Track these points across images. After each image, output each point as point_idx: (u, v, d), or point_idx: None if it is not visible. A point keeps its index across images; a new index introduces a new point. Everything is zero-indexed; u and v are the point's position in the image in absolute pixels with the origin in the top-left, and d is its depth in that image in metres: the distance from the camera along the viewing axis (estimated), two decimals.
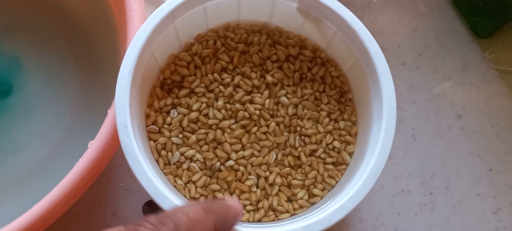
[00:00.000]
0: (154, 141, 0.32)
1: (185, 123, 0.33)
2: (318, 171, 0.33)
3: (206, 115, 0.33)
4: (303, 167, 0.33)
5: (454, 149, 0.42)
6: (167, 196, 0.27)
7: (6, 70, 0.37)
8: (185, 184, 0.32)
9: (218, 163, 0.32)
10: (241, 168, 0.32)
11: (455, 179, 0.41)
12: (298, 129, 0.33)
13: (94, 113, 0.36)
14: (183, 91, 0.33)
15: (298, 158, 0.33)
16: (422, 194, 0.40)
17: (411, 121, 0.42)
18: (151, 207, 0.35)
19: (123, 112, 0.28)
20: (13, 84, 0.37)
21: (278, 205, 0.32)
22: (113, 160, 0.32)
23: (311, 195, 0.32)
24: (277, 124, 0.33)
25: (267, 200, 0.32)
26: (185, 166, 0.32)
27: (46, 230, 0.30)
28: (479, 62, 0.45)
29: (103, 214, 0.38)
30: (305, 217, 0.29)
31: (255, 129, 0.33)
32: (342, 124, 0.34)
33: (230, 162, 0.32)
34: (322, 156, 0.33)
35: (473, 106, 0.43)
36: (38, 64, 0.37)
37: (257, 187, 0.32)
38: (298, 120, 0.33)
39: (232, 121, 0.33)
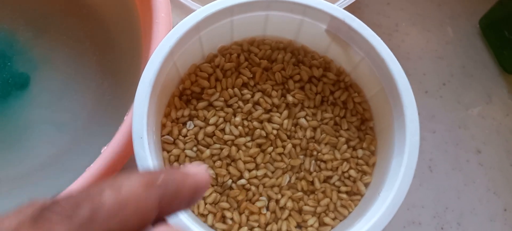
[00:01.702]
0: (168, 152, 0.32)
1: (200, 136, 0.32)
2: (331, 199, 0.32)
3: (223, 130, 0.32)
4: (316, 193, 0.32)
5: (470, 184, 0.41)
6: None
7: (24, 62, 0.36)
8: None
9: (230, 181, 0.32)
10: (253, 188, 0.32)
11: (468, 215, 0.40)
12: (315, 153, 0.33)
13: (108, 116, 0.35)
14: (202, 104, 0.32)
15: (312, 183, 0.32)
16: (433, 227, 0.39)
17: (429, 150, 0.41)
18: None
19: (140, 123, 0.27)
20: (31, 78, 0.36)
21: (287, 230, 0.31)
22: None
23: (322, 224, 0.32)
24: (294, 146, 0.32)
25: (276, 223, 0.31)
26: None
27: None
28: (504, 97, 0.43)
29: None
30: None
31: (270, 149, 0.32)
32: (360, 153, 0.33)
33: (242, 181, 0.32)
34: (337, 183, 0.32)
35: (493, 142, 0.42)
36: (58, 60, 0.37)
37: (267, 209, 0.32)
38: (315, 144, 0.33)
39: (248, 138, 0.32)
